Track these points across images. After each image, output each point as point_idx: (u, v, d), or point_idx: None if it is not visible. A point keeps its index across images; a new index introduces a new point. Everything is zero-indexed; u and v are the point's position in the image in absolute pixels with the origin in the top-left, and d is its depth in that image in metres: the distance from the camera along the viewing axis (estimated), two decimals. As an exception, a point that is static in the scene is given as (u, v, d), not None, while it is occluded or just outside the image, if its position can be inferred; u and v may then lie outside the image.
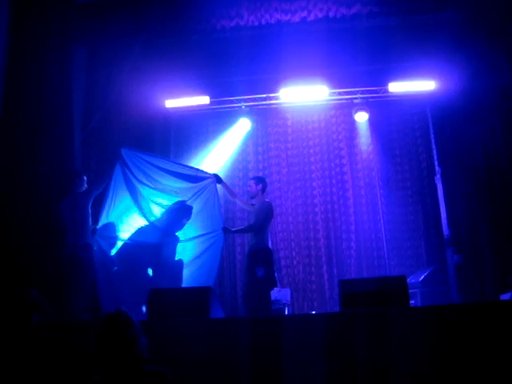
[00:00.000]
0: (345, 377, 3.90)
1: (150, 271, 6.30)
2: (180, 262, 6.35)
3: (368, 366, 3.86)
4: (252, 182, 6.64)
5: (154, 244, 6.30)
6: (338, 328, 4.12)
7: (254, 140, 9.70)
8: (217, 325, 4.47)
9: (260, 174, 8.72)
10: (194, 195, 6.51)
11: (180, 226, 6.44)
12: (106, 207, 6.28)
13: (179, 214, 6.44)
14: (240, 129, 9.35)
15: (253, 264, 6.14)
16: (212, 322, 4.49)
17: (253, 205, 6.63)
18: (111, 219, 6.30)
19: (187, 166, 6.97)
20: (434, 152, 8.86)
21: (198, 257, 6.37)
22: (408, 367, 3.86)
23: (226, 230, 6.44)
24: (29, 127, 6.61)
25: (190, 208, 6.43)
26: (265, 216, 6.35)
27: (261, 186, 6.58)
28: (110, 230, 6.27)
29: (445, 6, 7.77)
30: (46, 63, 6.90)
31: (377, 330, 4.02)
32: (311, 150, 9.58)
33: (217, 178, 6.60)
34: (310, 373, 3.94)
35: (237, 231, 7.48)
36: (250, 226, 6.50)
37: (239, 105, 9.21)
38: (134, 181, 6.49)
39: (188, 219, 6.43)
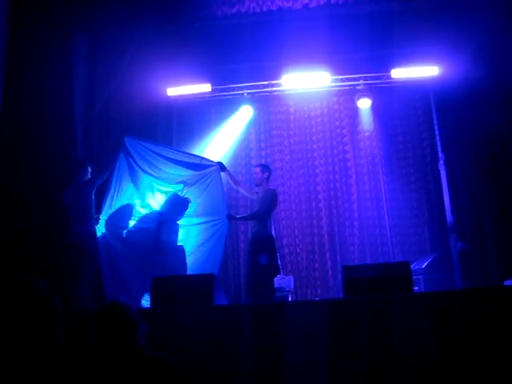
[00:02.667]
0: (348, 364, 3.91)
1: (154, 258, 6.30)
2: (181, 247, 6.37)
3: (371, 353, 3.87)
4: (258, 170, 6.61)
5: (157, 230, 6.32)
6: (341, 314, 4.13)
7: (257, 127, 9.67)
8: (220, 312, 4.49)
9: (263, 162, 8.70)
10: (197, 182, 6.52)
11: (179, 217, 6.46)
12: (110, 196, 6.29)
13: (178, 206, 6.46)
14: (242, 116, 9.31)
15: (256, 251, 6.13)
16: (216, 309, 4.51)
17: (257, 193, 6.62)
18: (115, 208, 6.31)
19: (191, 154, 6.97)
20: (437, 138, 8.82)
21: (202, 244, 6.39)
22: (412, 353, 3.87)
23: (230, 217, 6.46)
24: (30, 116, 6.61)
25: (187, 201, 6.46)
26: (269, 203, 6.34)
27: (267, 174, 6.57)
28: (114, 219, 6.29)
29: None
30: (47, 52, 6.89)
31: (380, 315, 4.03)
32: (314, 137, 9.55)
33: (221, 166, 6.60)
34: (313, 359, 3.95)
35: (241, 218, 7.47)
36: (255, 214, 6.49)
37: (241, 92, 9.16)
38: (137, 169, 6.49)
39: (186, 210, 6.45)
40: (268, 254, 6.04)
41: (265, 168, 6.66)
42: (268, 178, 6.59)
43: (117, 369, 2.42)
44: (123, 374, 2.41)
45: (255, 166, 6.94)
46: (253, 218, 6.57)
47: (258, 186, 6.62)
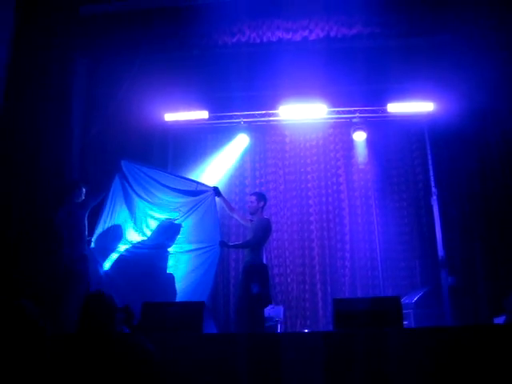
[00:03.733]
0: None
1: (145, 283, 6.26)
2: (171, 275, 6.33)
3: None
4: (254, 198, 6.59)
5: (148, 256, 6.29)
6: (335, 347, 4.09)
7: (252, 156, 9.70)
8: (209, 340, 4.44)
9: (257, 190, 8.70)
10: (192, 208, 6.50)
11: (171, 243, 6.44)
12: (103, 219, 6.26)
13: (169, 233, 6.44)
14: (238, 144, 9.36)
15: (248, 280, 6.10)
16: (205, 338, 4.46)
17: (251, 221, 6.61)
18: (108, 231, 6.28)
19: (187, 179, 6.98)
20: (431, 173, 8.88)
21: (193, 270, 6.34)
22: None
23: (222, 244, 6.41)
24: (28, 135, 6.62)
25: (178, 226, 6.46)
26: (263, 232, 6.33)
27: (262, 203, 6.56)
28: (107, 242, 6.25)
29: (444, 29, 7.85)
30: (47, 73, 6.95)
31: (370, 350, 4.00)
32: (308, 168, 9.59)
33: (216, 192, 6.58)
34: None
35: (234, 246, 7.38)
36: (248, 242, 6.44)
37: (238, 120, 9.22)
38: (132, 194, 6.48)
39: (177, 236, 6.44)
40: (260, 284, 6.00)
41: (260, 197, 6.66)
42: (263, 207, 6.59)
43: (94, 351, 2.72)
44: (100, 355, 2.69)
45: (251, 195, 6.92)
46: (246, 246, 6.54)
47: (252, 214, 6.61)
